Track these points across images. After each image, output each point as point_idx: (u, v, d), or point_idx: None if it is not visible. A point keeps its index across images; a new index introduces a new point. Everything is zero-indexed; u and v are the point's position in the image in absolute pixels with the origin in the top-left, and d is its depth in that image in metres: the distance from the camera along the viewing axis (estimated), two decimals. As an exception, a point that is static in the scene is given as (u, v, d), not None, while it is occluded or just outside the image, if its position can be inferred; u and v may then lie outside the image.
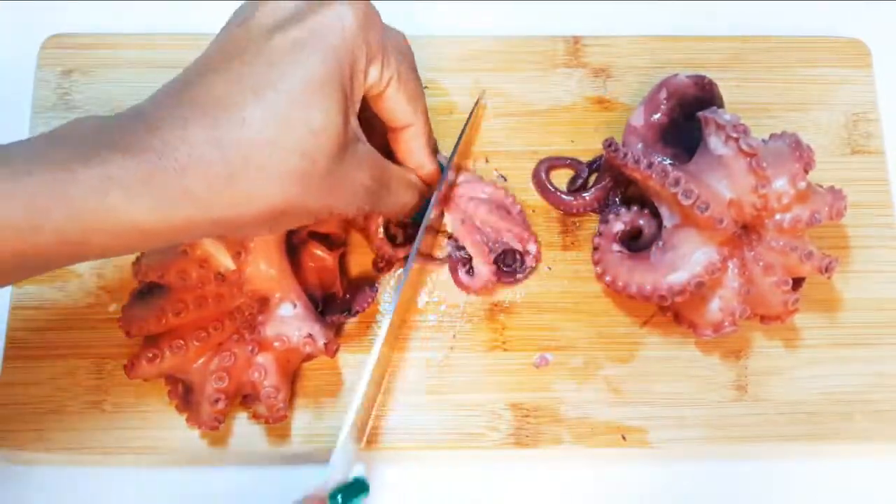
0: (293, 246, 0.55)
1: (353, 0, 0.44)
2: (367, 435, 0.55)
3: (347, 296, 0.56)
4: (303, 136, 0.42)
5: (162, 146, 0.39)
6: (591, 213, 0.61)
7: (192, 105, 0.41)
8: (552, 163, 0.62)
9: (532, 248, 0.58)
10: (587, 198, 0.60)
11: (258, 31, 0.43)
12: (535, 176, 0.61)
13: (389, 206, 0.52)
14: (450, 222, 0.59)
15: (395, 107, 0.50)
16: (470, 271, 0.58)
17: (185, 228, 0.41)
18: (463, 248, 0.58)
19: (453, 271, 0.59)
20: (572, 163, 0.62)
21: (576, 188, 0.61)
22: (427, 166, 0.55)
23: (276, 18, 0.43)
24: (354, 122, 0.46)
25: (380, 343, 0.53)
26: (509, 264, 0.59)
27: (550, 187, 0.61)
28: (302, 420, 0.56)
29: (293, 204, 0.43)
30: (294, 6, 0.44)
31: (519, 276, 0.59)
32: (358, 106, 0.47)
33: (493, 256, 0.58)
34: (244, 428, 0.56)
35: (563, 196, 0.61)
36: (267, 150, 0.41)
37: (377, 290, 0.56)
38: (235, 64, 0.42)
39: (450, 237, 0.59)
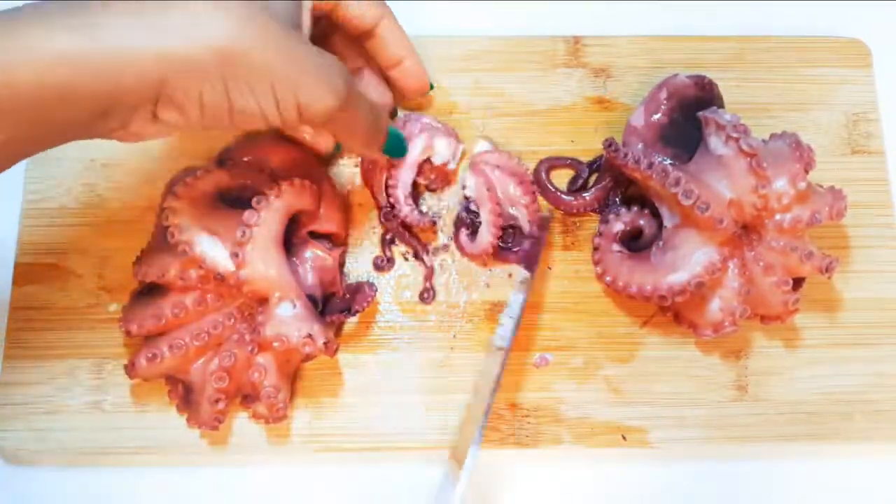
0: (293, 245, 0.55)
1: None
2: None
3: (347, 295, 0.57)
4: None
5: None
6: (591, 213, 0.61)
7: None
8: (552, 163, 0.62)
9: (536, 232, 0.59)
10: (587, 198, 0.60)
11: None
12: (535, 176, 0.61)
13: (359, 126, 0.50)
14: (472, 185, 0.59)
15: (391, 40, 0.53)
16: (472, 236, 0.58)
17: (119, 56, 0.39)
18: (474, 211, 0.58)
19: (456, 230, 0.59)
20: (572, 163, 0.62)
21: (576, 188, 0.61)
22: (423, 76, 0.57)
23: None
24: (304, 28, 0.47)
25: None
26: (507, 241, 0.59)
27: (550, 187, 0.61)
28: (302, 420, 0.56)
29: (240, 47, 0.41)
30: None
31: (511, 256, 0.59)
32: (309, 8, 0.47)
33: (500, 229, 0.58)
34: (244, 428, 0.56)
35: (563, 196, 0.61)
36: None
37: (376, 290, 0.56)
38: None
39: (465, 197, 0.60)
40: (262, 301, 0.52)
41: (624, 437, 0.56)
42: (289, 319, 0.52)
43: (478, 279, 0.59)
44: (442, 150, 0.58)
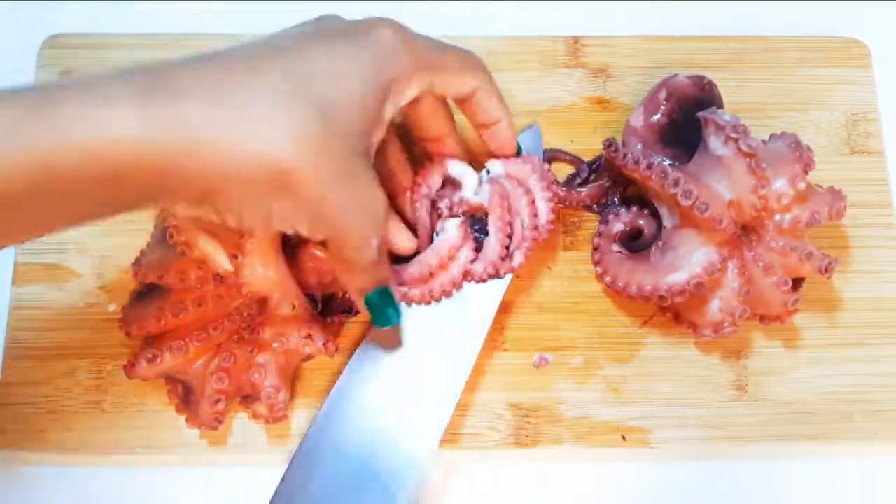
0: (292, 246, 0.55)
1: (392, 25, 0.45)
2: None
3: (347, 295, 0.56)
4: (324, 104, 0.40)
5: (163, 73, 0.38)
6: (586, 211, 0.61)
7: (212, 58, 0.40)
8: (554, 154, 0.61)
9: None
10: (582, 193, 0.60)
11: (300, 33, 0.44)
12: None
13: (362, 258, 0.47)
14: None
15: (432, 116, 0.52)
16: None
17: (180, 157, 0.37)
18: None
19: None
20: (574, 159, 0.62)
21: (574, 186, 0.61)
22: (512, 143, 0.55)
23: (322, 28, 0.44)
24: (371, 150, 0.45)
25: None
26: None
27: (548, 178, 0.61)
28: (302, 420, 0.56)
29: (298, 172, 0.39)
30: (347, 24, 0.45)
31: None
32: (382, 132, 0.46)
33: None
34: (244, 428, 0.56)
35: (559, 188, 0.60)
36: (282, 99, 0.39)
37: None
38: (267, 45, 0.42)
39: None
40: (262, 302, 0.52)
41: (624, 437, 0.56)
42: (288, 320, 0.52)
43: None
44: None
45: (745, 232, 0.54)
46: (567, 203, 0.60)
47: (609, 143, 0.57)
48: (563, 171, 0.62)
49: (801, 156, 0.54)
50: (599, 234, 0.58)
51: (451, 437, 0.56)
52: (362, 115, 0.43)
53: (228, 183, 0.39)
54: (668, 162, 0.57)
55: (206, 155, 0.38)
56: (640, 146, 0.58)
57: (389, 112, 0.46)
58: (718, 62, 0.64)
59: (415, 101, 0.49)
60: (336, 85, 0.42)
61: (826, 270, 0.54)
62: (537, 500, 0.57)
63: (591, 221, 0.61)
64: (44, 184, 0.35)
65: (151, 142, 0.36)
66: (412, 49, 0.46)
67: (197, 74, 0.39)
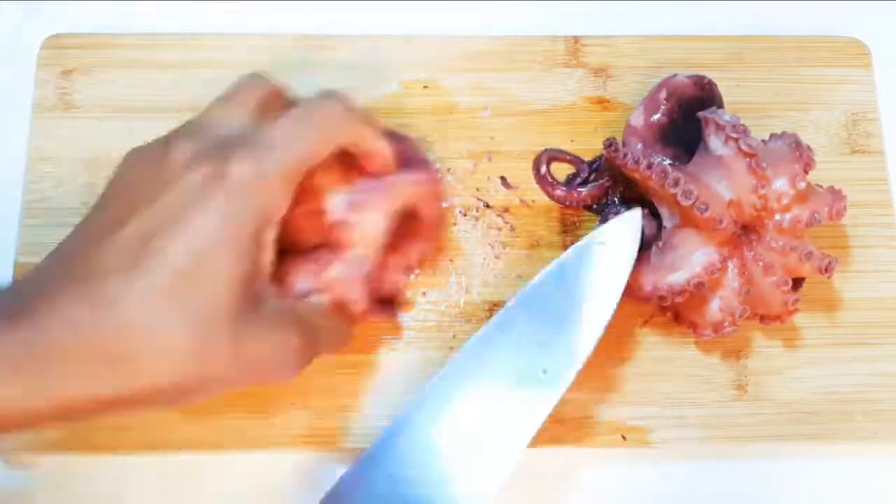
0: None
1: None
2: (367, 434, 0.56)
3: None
4: (194, 310, 0.39)
5: (35, 327, 0.38)
6: (586, 211, 0.61)
7: (72, 277, 0.40)
8: (554, 154, 0.61)
9: None
10: (582, 193, 0.60)
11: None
12: (536, 164, 0.61)
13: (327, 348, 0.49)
14: None
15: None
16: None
17: (64, 410, 0.38)
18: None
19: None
20: (574, 159, 0.62)
21: (575, 186, 0.61)
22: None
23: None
24: (262, 282, 0.43)
25: None
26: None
27: (549, 177, 0.61)
28: (302, 420, 0.56)
29: (194, 380, 0.40)
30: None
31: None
32: (268, 264, 0.44)
33: None
34: (244, 428, 0.56)
35: (558, 188, 0.60)
36: (150, 330, 0.39)
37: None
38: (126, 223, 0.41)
39: None
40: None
41: (624, 437, 0.56)
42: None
43: (477, 279, 0.59)
44: None
45: (745, 232, 0.54)
46: (567, 203, 0.60)
47: (609, 143, 0.57)
48: (563, 171, 0.62)
49: (802, 155, 0.54)
50: (599, 234, 0.58)
51: (451, 436, 0.56)
52: (234, 282, 0.41)
53: (126, 410, 0.41)
54: (668, 162, 0.57)
55: (91, 405, 0.39)
56: (640, 146, 0.58)
57: (270, 237, 0.43)
58: (718, 62, 0.64)
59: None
60: (198, 271, 0.40)
61: (826, 270, 0.54)
62: (537, 500, 0.57)
63: (591, 221, 0.61)
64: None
65: (37, 408, 0.38)
66: (274, 170, 0.43)
67: (66, 319, 0.38)
